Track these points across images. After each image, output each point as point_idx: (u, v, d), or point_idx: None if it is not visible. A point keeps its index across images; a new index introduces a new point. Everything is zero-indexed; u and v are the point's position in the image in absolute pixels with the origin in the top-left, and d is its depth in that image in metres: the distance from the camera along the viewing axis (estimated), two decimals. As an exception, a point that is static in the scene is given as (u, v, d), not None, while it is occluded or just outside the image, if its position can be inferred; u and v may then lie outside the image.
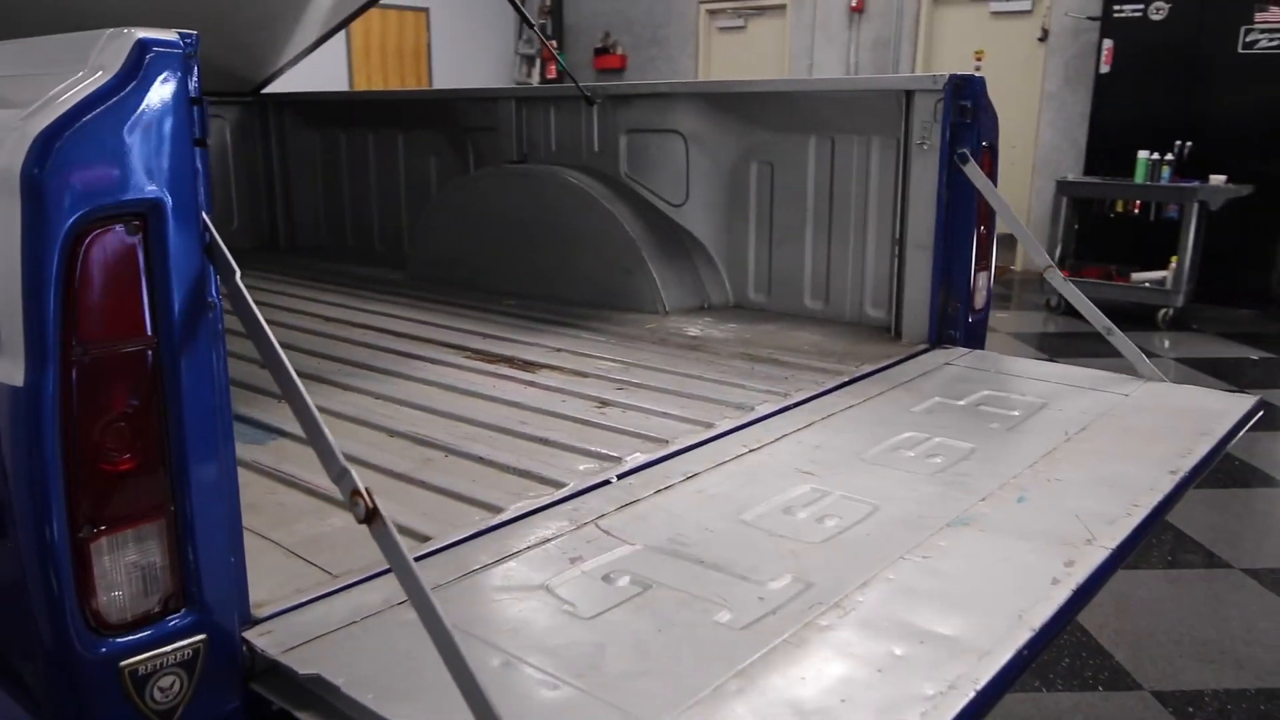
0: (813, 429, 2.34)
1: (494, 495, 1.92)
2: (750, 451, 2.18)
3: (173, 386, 1.24)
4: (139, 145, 1.17)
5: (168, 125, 1.19)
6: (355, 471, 1.27)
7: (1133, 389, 2.65)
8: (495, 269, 4.01)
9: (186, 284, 1.23)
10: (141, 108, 1.17)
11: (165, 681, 1.28)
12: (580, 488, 1.96)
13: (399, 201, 4.77)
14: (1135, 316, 8.30)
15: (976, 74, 2.98)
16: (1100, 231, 9.11)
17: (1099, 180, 9.02)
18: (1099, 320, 2.82)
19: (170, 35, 1.20)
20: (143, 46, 1.17)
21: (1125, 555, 1.75)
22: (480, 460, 2.13)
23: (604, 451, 2.15)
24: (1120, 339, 2.78)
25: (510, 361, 2.93)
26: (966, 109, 2.96)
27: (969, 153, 2.96)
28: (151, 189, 1.18)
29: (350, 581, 1.56)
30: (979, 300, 3.16)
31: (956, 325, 3.10)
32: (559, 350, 3.04)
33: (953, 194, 3.02)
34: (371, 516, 1.21)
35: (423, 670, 1.32)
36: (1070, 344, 7.78)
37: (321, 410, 2.33)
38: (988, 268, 3.18)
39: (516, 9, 3.94)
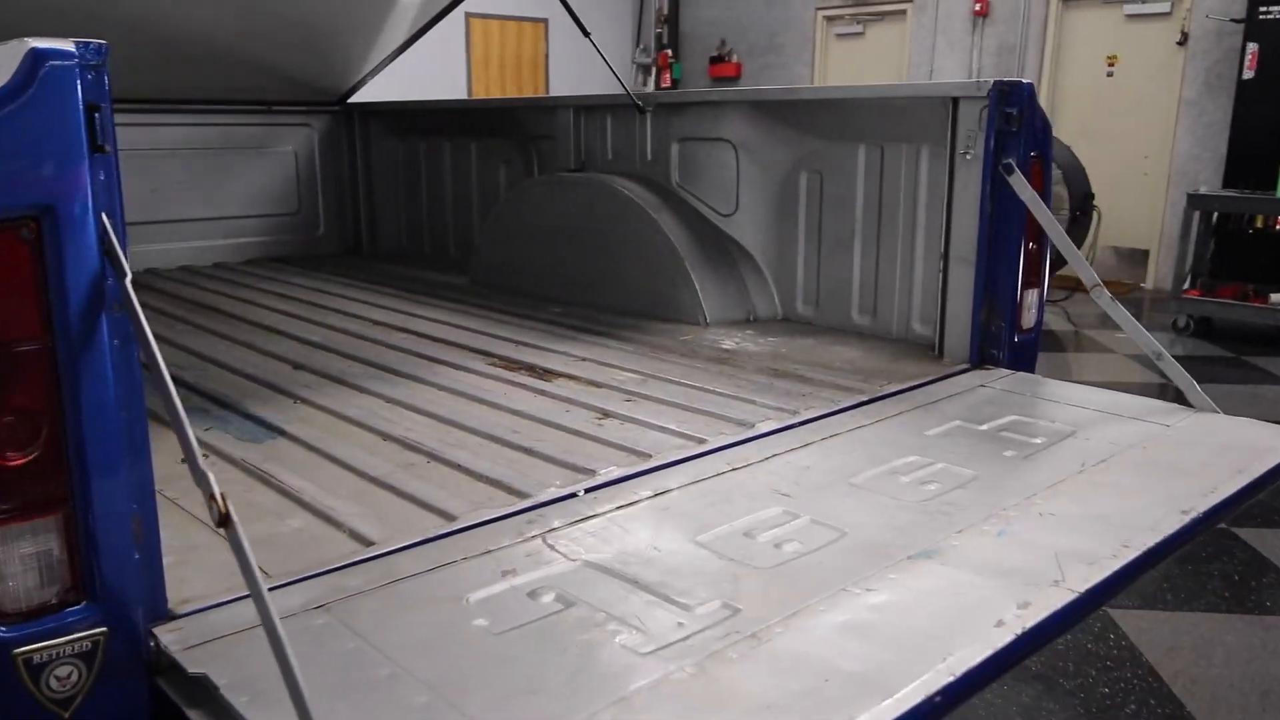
0: (809, 449, 2.26)
1: (454, 504, 1.91)
2: (733, 470, 2.12)
3: (70, 385, 1.28)
4: (31, 153, 1.21)
5: (60, 134, 1.23)
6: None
7: (1179, 419, 2.46)
8: (547, 276, 4.03)
9: (83, 286, 1.27)
10: (34, 117, 1.21)
11: (62, 671, 1.32)
12: (542, 500, 1.94)
13: (471, 208, 4.86)
14: (1273, 341, 7.72)
15: (1024, 80, 2.82)
16: (1238, 248, 8.51)
17: (1235, 194, 8.44)
18: (1148, 344, 2.63)
19: (67, 45, 1.24)
20: (37, 57, 1.22)
21: (1098, 600, 1.62)
22: (458, 467, 2.13)
23: (582, 464, 2.13)
24: (1170, 364, 2.59)
25: (531, 369, 2.93)
26: (1012, 117, 2.80)
27: (1015, 163, 2.80)
28: (43, 195, 1.22)
29: (278, 583, 1.58)
30: (1027, 319, 2.99)
31: (1000, 345, 2.94)
32: (583, 360, 3.03)
33: (997, 206, 2.87)
34: (224, 521, 1.22)
35: (310, 677, 1.32)
36: (1192, 369, 7.29)
37: (327, 411, 2.38)
38: (1039, 285, 3.00)
39: (568, 10, 3.94)
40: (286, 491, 1.98)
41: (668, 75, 15.27)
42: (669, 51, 15.16)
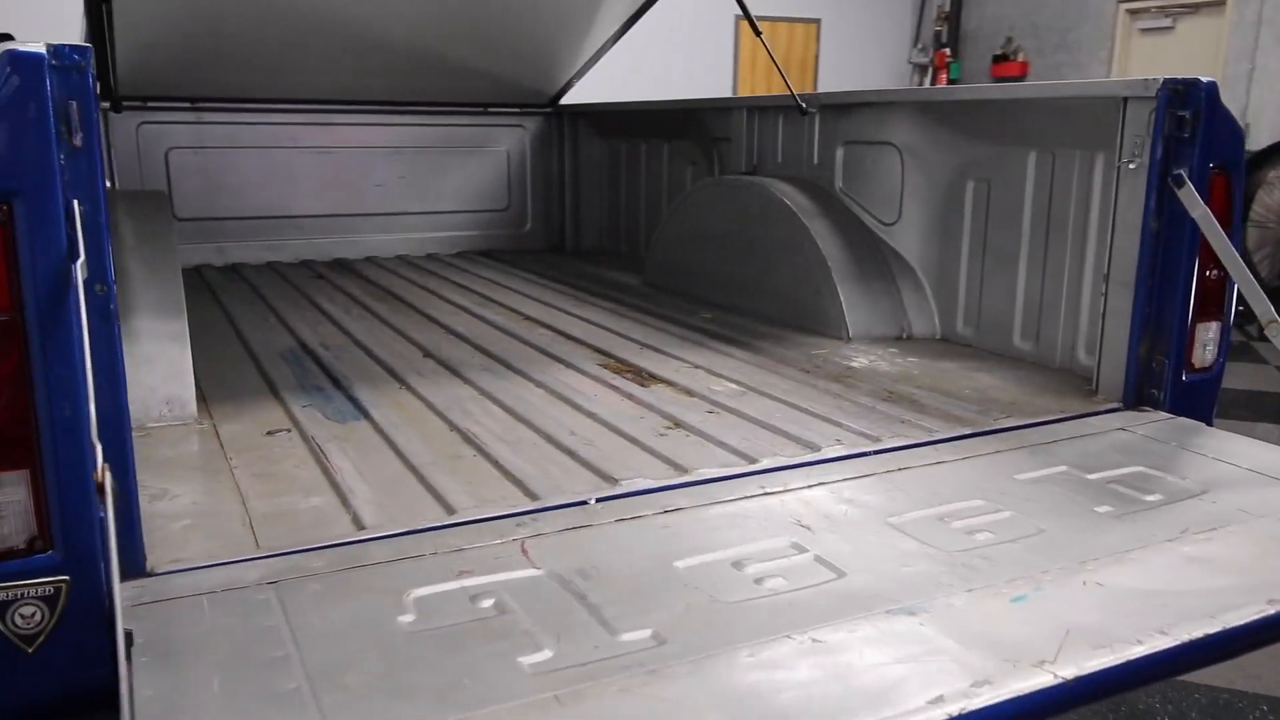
0: (864, 481, 2.07)
1: (461, 499, 1.94)
2: (764, 495, 1.99)
3: (38, 355, 1.42)
4: (2, 144, 1.36)
5: (30, 127, 1.37)
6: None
7: (1352, 490, 2.02)
8: (708, 280, 3.98)
9: (49, 265, 1.41)
10: (6, 112, 1.35)
11: (26, 610, 1.47)
12: (550, 504, 1.92)
13: (660, 209, 4.89)
14: None
15: (1203, 79, 2.42)
16: None
17: None
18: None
19: (39, 49, 1.38)
20: (10, 59, 1.36)
21: (1090, 693, 1.36)
22: (495, 463, 2.15)
23: (613, 473, 2.08)
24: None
25: (637, 372, 2.90)
26: (1185, 121, 2.42)
27: (1186, 174, 2.42)
28: (12, 182, 1.37)
29: (248, 557, 1.67)
30: (1200, 357, 2.57)
31: (1161, 384, 2.55)
32: (695, 367, 2.96)
33: (1165, 224, 2.49)
34: (100, 490, 1.30)
35: (210, 648, 1.39)
36: None
37: (420, 398, 2.50)
38: (1219, 318, 2.58)
39: (742, 7, 3.84)
40: (327, 470, 2.09)
41: (944, 76, 14.56)
42: (947, 50, 14.44)
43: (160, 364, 2.41)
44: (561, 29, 4.70)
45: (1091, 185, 2.84)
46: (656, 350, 3.16)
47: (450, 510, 1.89)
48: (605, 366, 2.97)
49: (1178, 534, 1.82)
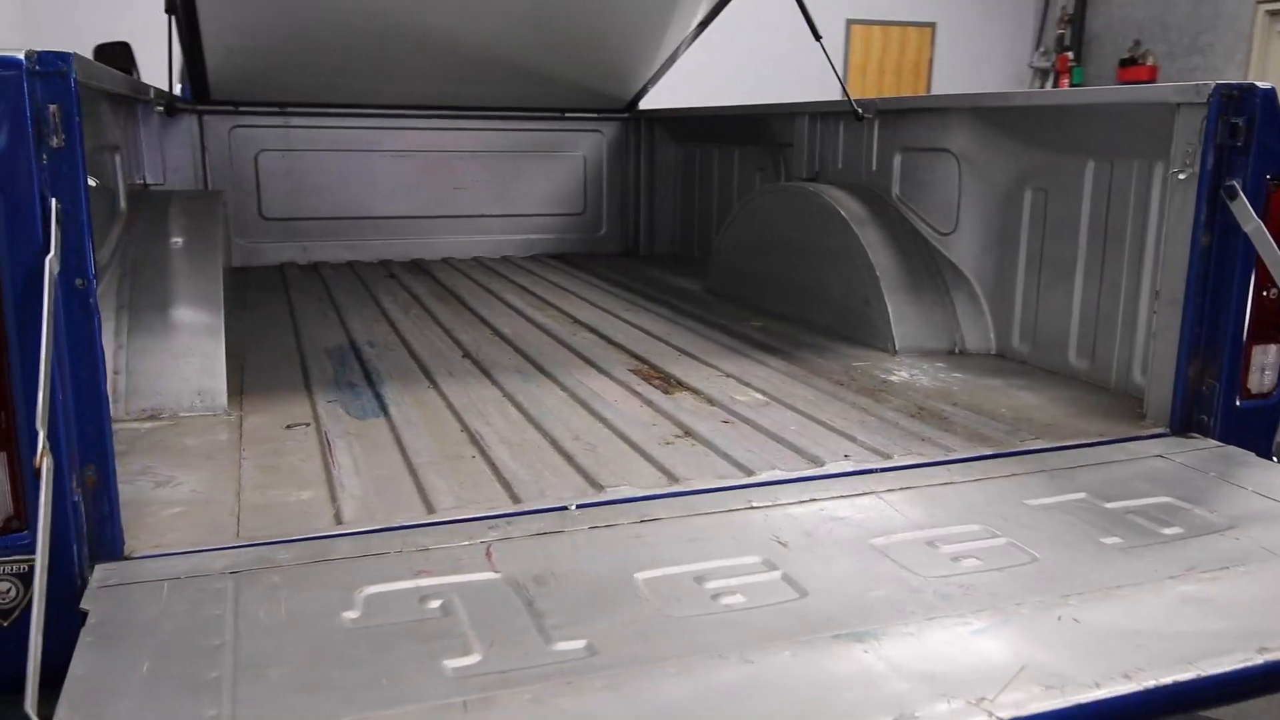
0: (859, 500, 2.00)
1: (445, 499, 1.96)
2: (749, 509, 1.94)
3: (14, 347, 1.50)
4: (-19, 146, 1.44)
5: (5, 128, 1.45)
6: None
7: (1402, 533, 1.85)
8: (763, 287, 3.92)
9: (25, 260, 1.48)
10: (-19, 116, 1.44)
11: (2, 586, 1.55)
12: (530, 508, 1.92)
13: (729, 214, 4.84)
14: None
15: (1260, 84, 2.26)
16: None
17: None
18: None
19: (16, 55, 1.45)
20: (-11, 66, 1.44)
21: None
22: (491, 464, 2.17)
23: (602, 479, 2.07)
24: None
25: (665, 379, 2.88)
26: (1239, 129, 2.26)
27: (1239, 186, 2.26)
28: (-12, 182, 1.45)
29: (220, 546, 1.73)
30: (1258, 382, 2.40)
31: (1211, 410, 2.39)
32: (726, 376, 2.92)
33: (1217, 238, 2.33)
34: (37, 473, 1.36)
35: (156, 630, 1.44)
36: None
37: (443, 398, 2.55)
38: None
39: (802, 10, 3.77)
40: (328, 465, 2.14)
41: (1066, 80, 14.00)
42: (1070, 54, 13.87)
43: (195, 357, 2.52)
44: (636, 35, 4.71)
45: (1150, 196, 2.68)
46: (693, 357, 3.13)
47: (430, 509, 1.91)
48: (636, 372, 2.96)
49: (1183, 571, 1.70)
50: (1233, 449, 2.32)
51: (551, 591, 1.60)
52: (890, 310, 3.22)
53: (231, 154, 4.84)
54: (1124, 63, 13.30)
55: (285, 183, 4.96)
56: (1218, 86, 2.28)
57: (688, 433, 2.40)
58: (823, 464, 2.18)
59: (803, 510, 1.94)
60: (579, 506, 1.94)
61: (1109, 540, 1.83)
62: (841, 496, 2.01)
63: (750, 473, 2.12)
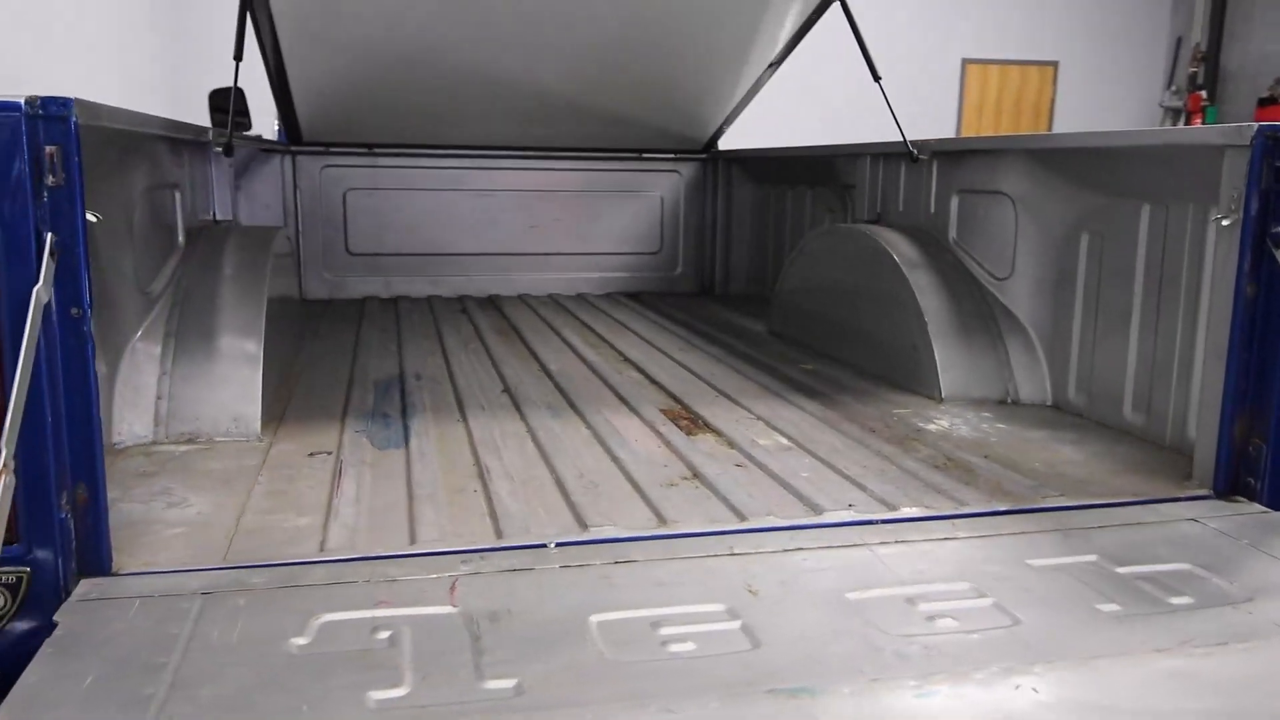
0: (846, 551, 1.94)
1: (430, 531, 1.99)
2: (729, 555, 1.90)
3: (10, 368, 1.61)
4: (-16, 184, 1.56)
5: (2, 169, 1.56)
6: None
7: None
8: (821, 329, 3.86)
9: (20, 287, 1.59)
10: (-17, 157, 1.56)
11: (-7, 596, 1.65)
12: (508, 544, 1.93)
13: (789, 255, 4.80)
14: None
15: (1310, 123, 2.11)
16: None
17: None
18: None
19: (16, 99, 1.57)
20: (-9, 110, 1.56)
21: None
22: (489, 499, 2.19)
23: (591, 519, 2.06)
24: None
25: (693, 420, 2.86)
26: (1286, 172, 2.12)
27: (1288, 233, 2.12)
28: (-12, 218, 1.57)
29: (201, 567, 1.79)
30: (1312, 443, 2.22)
31: (1258, 472, 2.22)
32: (755, 419, 2.88)
33: (1265, 288, 2.19)
34: None
35: (114, 643, 1.51)
36: None
37: (467, 432, 2.60)
38: (1338, 398, 2.22)
39: (861, 48, 3.72)
40: (332, 494, 2.21)
41: (1199, 119, 13.36)
42: (1203, 93, 13.24)
43: (233, 385, 2.64)
44: (710, 78, 4.75)
45: (1205, 242, 2.53)
46: (729, 398, 3.10)
47: (412, 541, 1.94)
48: (666, 411, 2.94)
49: (1175, 644, 1.58)
50: (1278, 516, 2.15)
51: (502, 629, 1.61)
52: (937, 356, 3.12)
53: (321, 192, 5.08)
54: (1262, 101, 12.62)
55: (371, 220, 5.17)
56: (1261, 128, 2.14)
57: (695, 475, 2.38)
58: (822, 512, 2.12)
59: (785, 559, 1.89)
60: (558, 544, 1.94)
61: (1106, 607, 1.72)
62: (830, 547, 1.95)
63: (744, 518, 2.08)
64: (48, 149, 1.60)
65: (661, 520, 2.07)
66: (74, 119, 1.63)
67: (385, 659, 1.51)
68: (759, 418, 2.89)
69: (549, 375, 3.41)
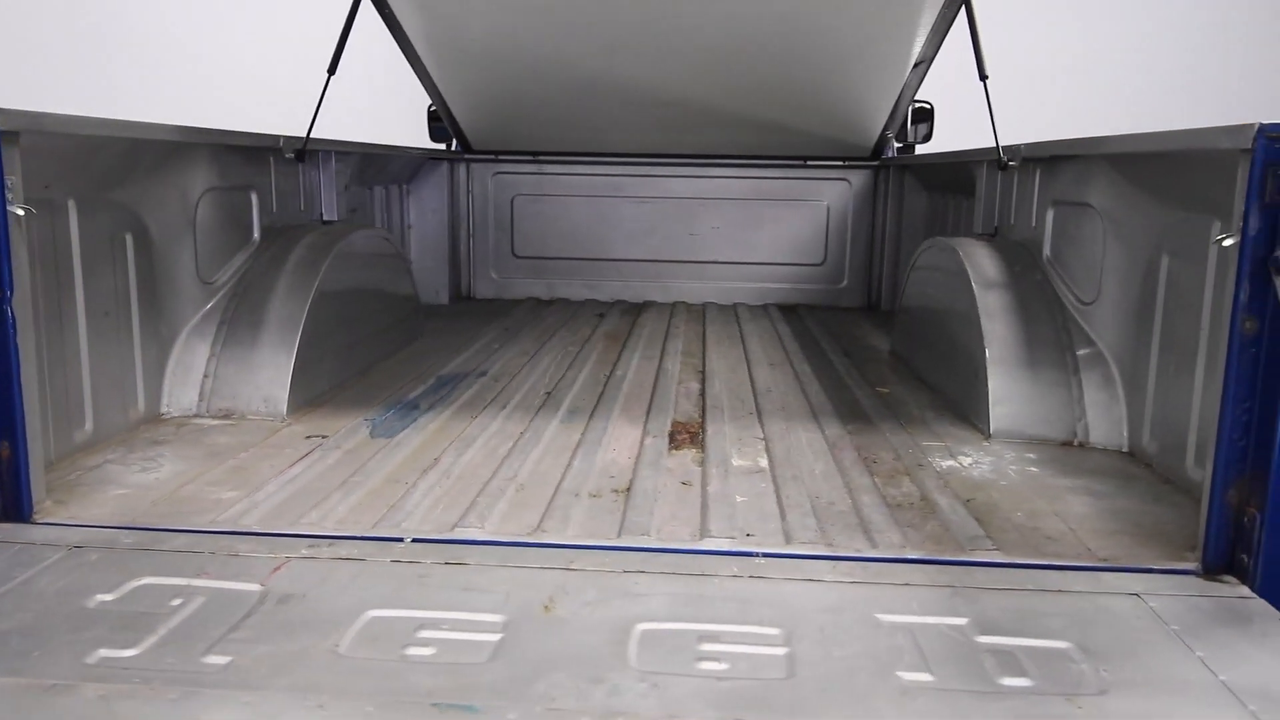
0: (689, 579, 1.81)
1: (327, 518, 2.09)
2: (552, 569, 1.84)
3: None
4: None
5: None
6: None
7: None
8: (919, 349, 3.57)
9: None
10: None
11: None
12: (370, 534, 2.00)
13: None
14: None
15: (1323, 120, 1.68)
16: None
17: None
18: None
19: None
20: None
21: None
22: (409, 491, 2.26)
23: (467, 519, 2.08)
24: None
25: (691, 436, 2.76)
26: (1291, 183, 1.71)
27: (1290, 257, 1.71)
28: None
29: (97, 524, 2.02)
30: (1329, 519, 1.77)
31: (1250, 546, 1.81)
32: (759, 439, 2.73)
33: (1268, 324, 1.78)
34: None
35: (24, 607, 1.73)
36: None
37: (469, 433, 2.72)
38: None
39: (975, 46, 3.36)
40: (280, 473, 2.38)
41: None
42: None
43: (268, 369, 2.92)
44: (855, 80, 4.52)
45: (1267, 266, 2.07)
46: (756, 417, 2.96)
47: (295, 522, 2.06)
48: (676, 424, 2.87)
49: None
50: (1259, 604, 1.74)
51: (278, 611, 1.67)
52: (990, 388, 2.78)
53: (491, 197, 5.40)
54: None
55: (535, 225, 5.42)
56: (1262, 128, 1.74)
57: (628, 489, 2.31)
58: (704, 538, 1.99)
59: (604, 581, 1.80)
60: (414, 540, 1.98)
61: (912, 676, 1.49)
62: (672, 574, 1.84)
63: (645, 534, 2.02)
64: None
65: (537, 529, 2.04)
66: (-3, 130, 1.91)
67: (151, 623, 1.62)
68: (763, 438, 2.74)
69: (604, 382, 3.42)
